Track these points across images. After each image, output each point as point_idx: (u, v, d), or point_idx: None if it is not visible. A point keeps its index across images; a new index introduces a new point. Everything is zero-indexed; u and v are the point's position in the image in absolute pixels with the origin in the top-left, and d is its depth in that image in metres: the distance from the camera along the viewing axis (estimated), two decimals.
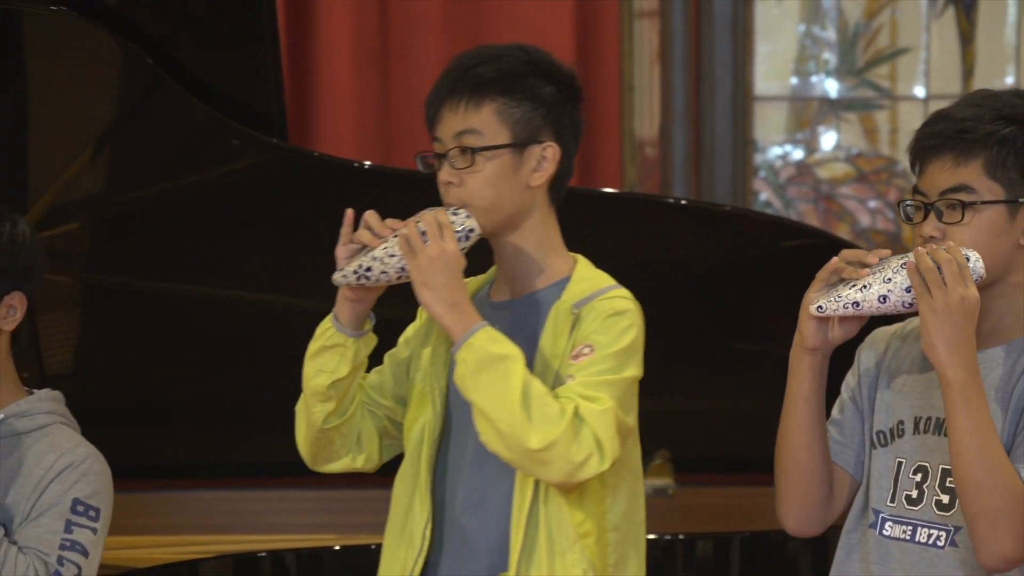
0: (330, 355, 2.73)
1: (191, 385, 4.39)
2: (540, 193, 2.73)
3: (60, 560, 2.62)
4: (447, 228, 2.63)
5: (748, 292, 4.17)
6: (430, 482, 2.73)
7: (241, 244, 4.14)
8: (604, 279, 2.74)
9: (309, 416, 2.77)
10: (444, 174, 2.71)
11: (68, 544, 2.63)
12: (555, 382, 2.65)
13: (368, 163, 4.02)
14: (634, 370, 2.66)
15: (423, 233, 2.63)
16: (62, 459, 2.69)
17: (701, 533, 4.05)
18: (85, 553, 2.64)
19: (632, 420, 2.67)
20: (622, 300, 2.69)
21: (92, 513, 2.67)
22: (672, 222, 4.15)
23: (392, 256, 2.65)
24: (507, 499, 2.67)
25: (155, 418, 4.42)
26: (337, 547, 3.91)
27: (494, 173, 2.69)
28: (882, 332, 2.71)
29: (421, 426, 2.76)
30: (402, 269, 2.65)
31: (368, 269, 2.66)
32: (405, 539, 2.73)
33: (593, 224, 4.06)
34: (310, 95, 5.55)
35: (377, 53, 5.58)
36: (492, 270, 2.81)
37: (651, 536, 3.98)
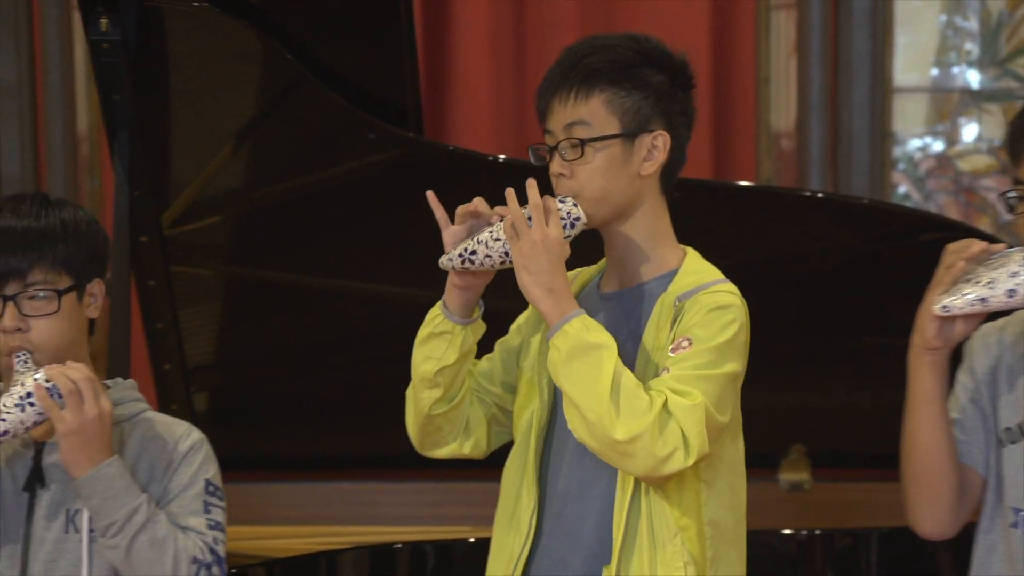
0: (438, 342, 2.75)
1: (330, 377, 4.42)
2: (651, 183, 2.73)
3: (215, 540, 2.66)
4: (552, 213, 2.64)
5: (885, 286, 4.13)
6: (537, 471, 2.73)
7: (377, 238, 4.16)
8: (712, 272, 2.73)
9: (417, 402, 2.79)
10: (555, 166, 2.71)
11: (213, 524, 2.67)
12: (654, 374, 2.64)
13: (502, 157, 4.02)
14: (733, 366, 2.63)
15: (528, 218, 2.64)
16: (183, 442, 2.71)
17: (839, 529, 4.01)
18: (224, 532, 2.68)
19: (727, 417, 2.63)
20: (727, 295, 2.67)
21: (219, 493, 2.71)
22: (808, 216, 4.11)
23: (497, 240, 2.66)
24: (608, 490, 2.67)
25: (295, 409, 4.46)
26: (472, 539, 3.93)
27: (604, 164, 2.69)
28: (990, 328, 2.68)
29: (529, 414, 2.77)
30: (506, 253, 2.66)
31: (473, 253, 2.67)
32: (513, 527, 2.74)
33: (727, 217, 4.04)
34: (446, 90, 5.57)
35: (512, 47, 5.59)
36: (603, 261, 2.81)
37: (787, 531, 3.97)
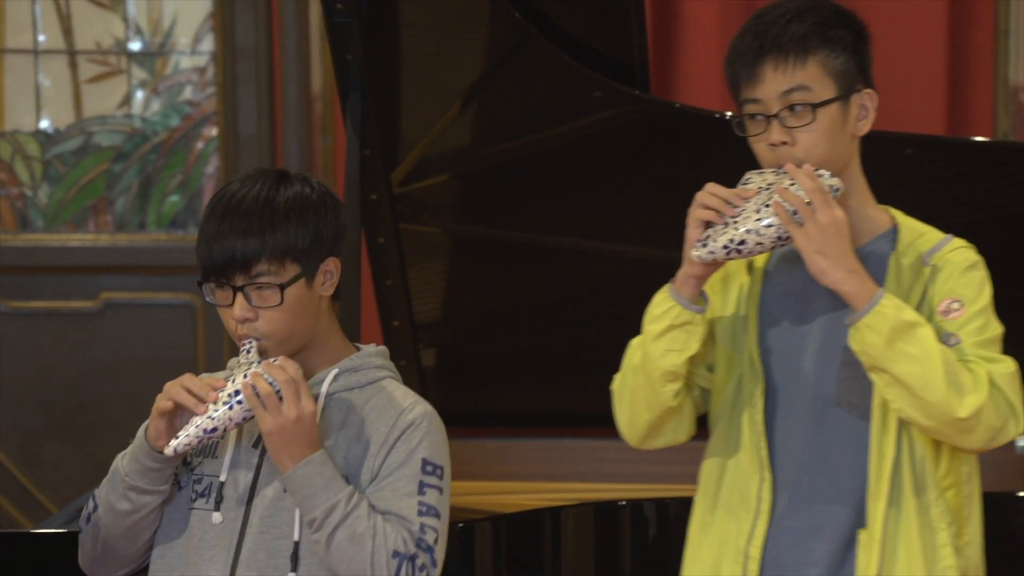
0: (678, 333, 2.72)
1: (555, 334, 4.43)
2: (856, 143, 2.70)
3: (422, 528, 2.63)
4: (828, 193, 2.61)
5: None
6: (765, 443, 2.70)
7: (602, 196, 4.15)
8: (934, 229, 2.69)
9: (656, 396, 2.77)
10: (775, 135, 2.67)
11: (424, 509, 2.63)
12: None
13: (729, 114, 3.98)
14: (999, 323, 2.61)
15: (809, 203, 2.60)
16: (404, 417, 2.68)
17: None
18: (438, 516, 2.64)
19: None
20: (970, 251, 2.65)
21: (439, 472, 2.66)
22: None
23: (769, 227, 2.62)
24: (853, 454, 2.63)
25: (521, 366, 4.48)
26: (695, 497, 3.91)
27: (826, 127, 2.65)
28: None
29: (737, 391, 2.74)
30: (779, 238, 2.62)
31: (742, 242, 2.63)
32: (721, 504, 2.74)
33: (963, 174, 3.95)
34: (673, 45, 5.54)
35: (742, 2, 5.53)
36: None
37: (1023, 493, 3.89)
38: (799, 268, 2.68)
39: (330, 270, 2.70)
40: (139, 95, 6.14)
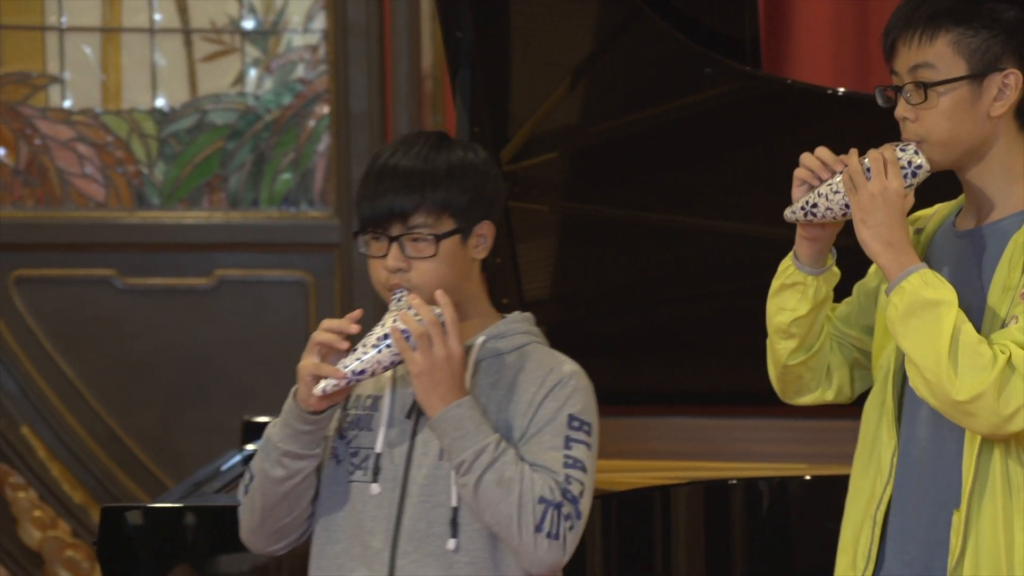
0: (790, 293, 2.72)
1: (664, 313, 4.42)
2: (1005, 121, 2.64)
3: (567, 479, 2.64)
4: (892, 164, 2.58)
5: None
6: (896, 411, 2.68)
7: (712, 173, 4.13)
8: None
9: (774, 352, 2.78)
10: (900, 109, 2.65)
11: (571, 462, 2.65)
12: (1004, 318, 2.57)
13: (842, 90, 3.94)
14: None
15: (867, 170, 2.59)
16: (551, 375, 2.71)
17: None
18: (584, 469, 2.66)
19: None
20: None
21: (586, 428, 2.69)
22: None
23: (836, 193, 2.63)
24: (961, 434, 2.61)
25: (629, 344, 4.47)
26: (808, 477, 3.89)
27: (950, 107, 2.61)
28: None
29: (888, 355, 2.71)
30: (846, 206, 2.63)
31: (814, 206, 2.65)
32: (872, 469, 2.70)
33: None
34: (785, 21, 5.48)
35: None
36: (961, 196, 2.73)
37: None
38: (954, 242, 2.67)
39: (484, 233, 2.75)
40: (252, 73, 6.18)
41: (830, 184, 2.64)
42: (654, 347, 4.48)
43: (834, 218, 2.65)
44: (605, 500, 3.73)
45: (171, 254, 6.11)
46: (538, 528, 2.61)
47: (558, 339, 4.46)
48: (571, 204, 4.31)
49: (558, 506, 2.62)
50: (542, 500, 2.62)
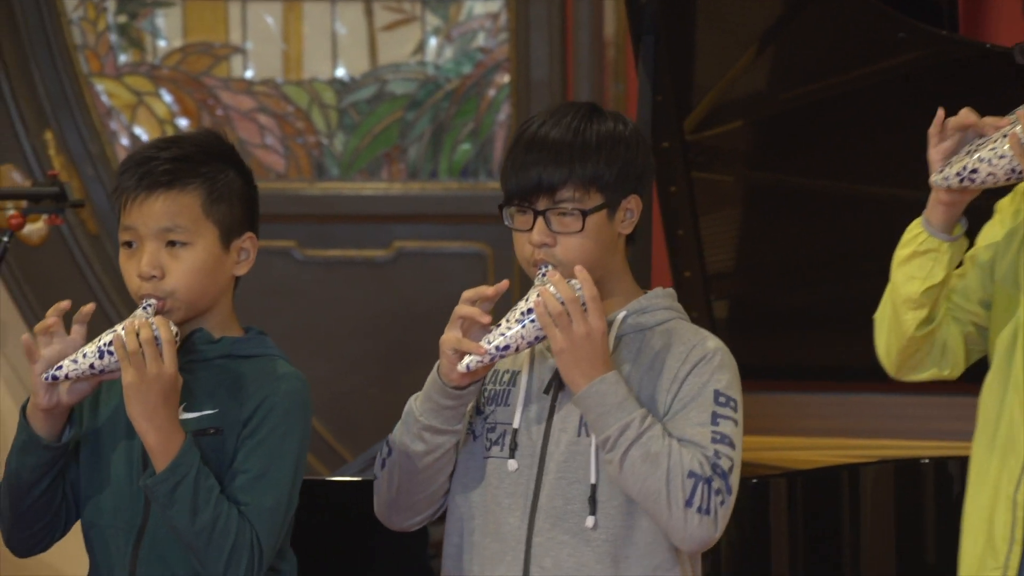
0: (923, 260, 2.66)
1: (854, 285, 4.31)
2: None
3: (716, 454, 2.61)
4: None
5: None
6: None
7: (904, 141, 4.01)
8: None
9: (899, 324, 2.71)
10: None
11: (719, 437, 2.62)
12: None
13: None
14: None
15: None
16: (695, 351, 2.67)
17: None
18: (732, 445, 2.63)
19: None
20: None
21: (732, 404, 2.65)
22: None
23: (1002, 158, 2.52)
24: None
25: (817, 318, 4.39)
26: None
27: None
28: None
29: (1013, 330, 2.64)
30: (1012, 171, 2.52)
31: (974, 171, 2.54)
32: (998, 448, 2.64)
33: None
34: None
35: None
36: None
37: None
38: None
39: (631, 208, 2.71)
40: (432, 42, 6.17)
41: (993, 148, 2.53)
42: (843, 321, 4.35)
43: (995, 183, 2.57)
44: (790, 479, 3.67)
45: (350, 225, 6.14)
46: (688, 503, 2.58)
47: (742, 312, 4.43)
48: (757, 174, 4.27)
49: (708, 480, 2.59)
50: (692, 474, 2.58)
